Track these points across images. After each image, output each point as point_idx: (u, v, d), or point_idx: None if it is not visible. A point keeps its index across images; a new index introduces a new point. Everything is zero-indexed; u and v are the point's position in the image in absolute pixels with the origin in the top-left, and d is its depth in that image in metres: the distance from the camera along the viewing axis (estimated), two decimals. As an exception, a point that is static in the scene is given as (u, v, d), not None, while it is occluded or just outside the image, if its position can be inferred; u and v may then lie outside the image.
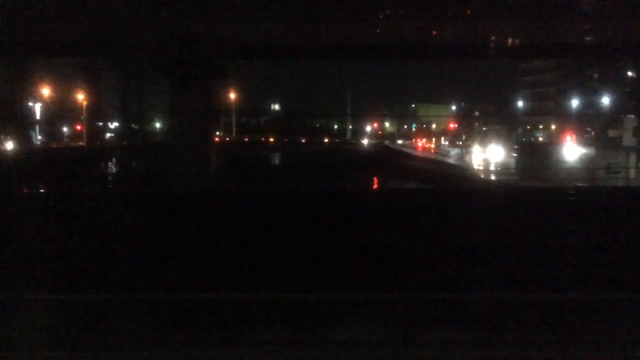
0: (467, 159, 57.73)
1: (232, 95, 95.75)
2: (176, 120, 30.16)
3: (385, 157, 60.23)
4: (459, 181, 39.19)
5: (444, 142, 76.94)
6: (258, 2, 27.86)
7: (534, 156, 46.95)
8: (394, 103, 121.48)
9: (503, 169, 47.51)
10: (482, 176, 44.88)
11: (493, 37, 29.72)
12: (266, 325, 6.97)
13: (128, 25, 28.41)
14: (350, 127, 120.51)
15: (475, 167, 50.94)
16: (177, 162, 28.76)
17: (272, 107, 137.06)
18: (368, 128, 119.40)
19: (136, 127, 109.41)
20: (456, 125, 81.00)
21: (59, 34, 28.85)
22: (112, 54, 37.49)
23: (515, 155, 52.62)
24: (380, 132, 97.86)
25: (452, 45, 30.49)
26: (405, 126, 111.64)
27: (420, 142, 75.11)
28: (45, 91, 70.98)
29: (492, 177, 44.92)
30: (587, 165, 38.92)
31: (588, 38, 29.14)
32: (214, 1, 27.87)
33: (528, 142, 56.51)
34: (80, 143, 78.24)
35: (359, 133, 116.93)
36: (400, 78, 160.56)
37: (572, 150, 44.59)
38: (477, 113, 78.77)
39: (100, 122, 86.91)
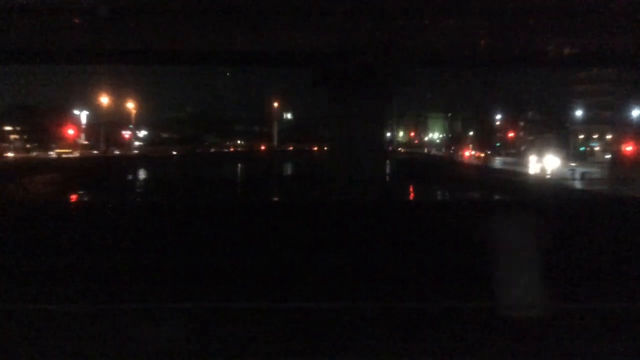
0: (518, 168, 58.20)
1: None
2: (353, 128, 30.44)
3: (450, 166, 60.51)
4: (562, 193, 37.87)
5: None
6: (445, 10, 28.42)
7: (620, 165, 46.98)
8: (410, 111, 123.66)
9: (587, 178, 47.31)
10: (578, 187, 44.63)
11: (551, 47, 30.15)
12: None
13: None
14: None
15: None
16: (353, 171, 29.30)
17: (284, 115, 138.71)
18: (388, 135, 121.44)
19: (165, 135, 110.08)
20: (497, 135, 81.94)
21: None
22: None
23: (573, 164, 53.35)
24: (417, 142, 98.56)
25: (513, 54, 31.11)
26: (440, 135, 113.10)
27: (467, 152, 75.85)
28: (104, 99, 71.44)
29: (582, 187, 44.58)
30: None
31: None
32: (405, 9, 28.37)
33: (615, 150, 56.79)
34: (135, 151, 78.70)
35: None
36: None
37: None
38: (521, 123, 79.62)
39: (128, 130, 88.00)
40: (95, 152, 72.04)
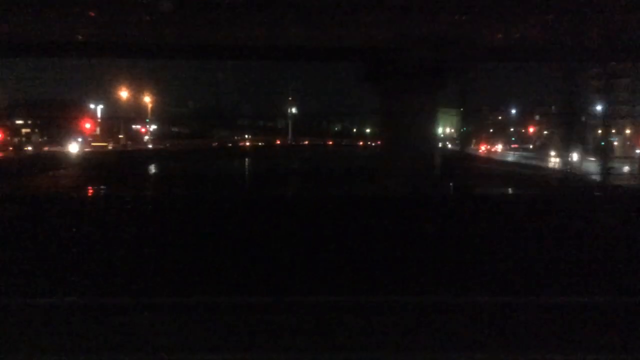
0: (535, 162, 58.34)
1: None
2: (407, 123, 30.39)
3: (468, 161, 60.53)
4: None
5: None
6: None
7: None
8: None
9: (613, 173, 47.11)
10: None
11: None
12: None
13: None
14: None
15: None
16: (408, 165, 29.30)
17: (290, 110, 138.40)
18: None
19: (176, 129, 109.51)
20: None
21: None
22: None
23: (592, 158, 53.71)
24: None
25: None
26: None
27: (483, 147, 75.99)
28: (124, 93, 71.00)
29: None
30: None
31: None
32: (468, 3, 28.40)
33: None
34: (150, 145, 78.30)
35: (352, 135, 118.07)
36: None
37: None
38: (537, 116, 79.79)
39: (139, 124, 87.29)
40: (110, 146, 71.62)
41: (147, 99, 77.21)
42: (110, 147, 67.61)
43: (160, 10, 27.35)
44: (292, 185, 37.62)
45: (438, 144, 33.32)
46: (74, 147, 65.16)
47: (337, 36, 30.08)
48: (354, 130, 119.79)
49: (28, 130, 78.90)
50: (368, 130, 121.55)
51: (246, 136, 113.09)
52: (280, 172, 48.60)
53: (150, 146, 76.79)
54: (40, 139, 73.99)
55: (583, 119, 71.73)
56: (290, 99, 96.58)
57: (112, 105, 77.43)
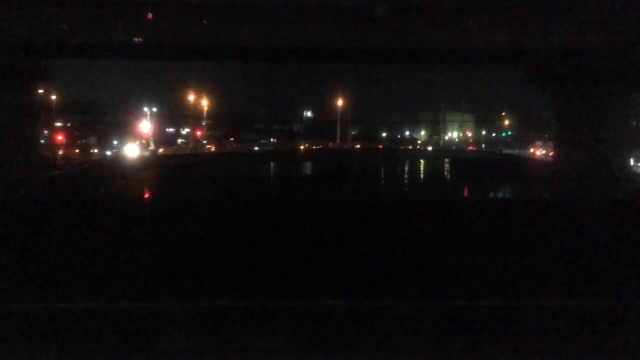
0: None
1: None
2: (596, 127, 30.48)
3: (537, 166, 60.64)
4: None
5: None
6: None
7: None
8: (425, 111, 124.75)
9: None
10: None
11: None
12: None
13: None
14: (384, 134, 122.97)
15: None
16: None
17: (305, 114, 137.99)
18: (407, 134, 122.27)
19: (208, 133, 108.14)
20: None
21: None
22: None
23: None
24: (471, 140, 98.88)
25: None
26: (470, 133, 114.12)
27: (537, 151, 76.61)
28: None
29: None
30: None
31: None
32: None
33: None
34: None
35: (395, 140, 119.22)
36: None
37: None
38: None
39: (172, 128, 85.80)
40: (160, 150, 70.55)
41: (204, 102, 76.11)
42: (169, 151, 66.10)
43: (375, 13, 27.25)
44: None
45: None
46: (133, 151, 64.10)
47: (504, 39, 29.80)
48: (399, 135, 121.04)
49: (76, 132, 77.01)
50: (422, 133, 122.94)
51: (271, 140, 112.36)
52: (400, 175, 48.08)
53: (211, 149, 75.84)
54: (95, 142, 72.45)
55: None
56: (340, 102, 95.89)
57: (162, 109, 76.34)
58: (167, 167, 49.81)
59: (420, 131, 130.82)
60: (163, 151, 68.69)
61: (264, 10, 28.64)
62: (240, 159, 61.97)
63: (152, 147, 69.41)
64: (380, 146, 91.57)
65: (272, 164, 60.88)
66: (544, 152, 76.53)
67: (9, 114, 30.70)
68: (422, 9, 27.84)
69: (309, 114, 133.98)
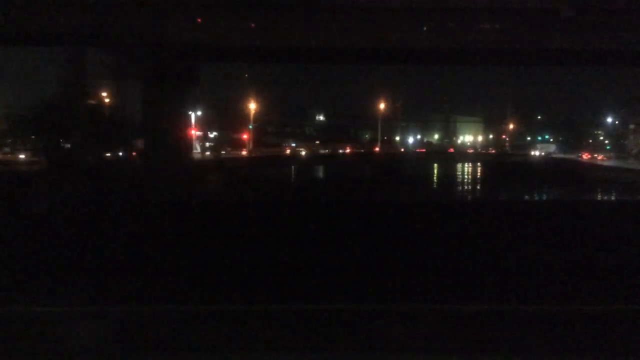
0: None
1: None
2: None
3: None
4: None
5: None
6: None
7: None
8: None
9: None
10: None
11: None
12: None
13: None
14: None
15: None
16: None
17: (317, 117, 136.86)
18: (410, 139, 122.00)
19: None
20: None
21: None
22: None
23: None
24: (507, 144, 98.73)
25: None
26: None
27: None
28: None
29: None
30: None
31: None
32: None
33: None
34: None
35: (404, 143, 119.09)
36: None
37: None
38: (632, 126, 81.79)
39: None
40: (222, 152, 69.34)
41: (252, 106, 74.93)
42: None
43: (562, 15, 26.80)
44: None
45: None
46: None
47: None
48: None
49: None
50: (436, 137, 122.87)
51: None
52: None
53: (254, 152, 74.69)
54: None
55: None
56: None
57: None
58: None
59: (433, 135, 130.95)
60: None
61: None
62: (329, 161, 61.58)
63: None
64: (423, 150, 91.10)
65: (344, 166, 60.26)
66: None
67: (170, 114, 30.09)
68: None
69: (321, 117, 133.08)
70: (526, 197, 32.11)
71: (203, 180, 33.34)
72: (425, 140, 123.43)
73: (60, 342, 6.19)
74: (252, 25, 28.65)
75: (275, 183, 38.45)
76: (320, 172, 56.20)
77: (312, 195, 32.28)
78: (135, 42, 27.39)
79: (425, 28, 28.35)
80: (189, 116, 40.14)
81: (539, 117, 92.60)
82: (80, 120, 41.92)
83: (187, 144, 35.49)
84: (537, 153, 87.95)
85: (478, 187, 38.63)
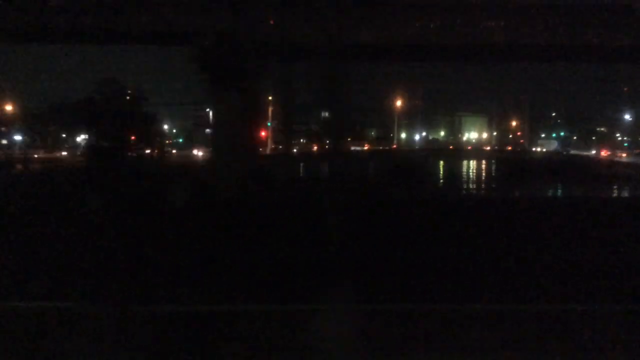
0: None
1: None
2: None
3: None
4: None
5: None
6: None
7: None
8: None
9: None
10: None
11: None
12: None
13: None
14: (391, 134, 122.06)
15: None
16: None
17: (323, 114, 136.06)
18: (417, 137, 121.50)
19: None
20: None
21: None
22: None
23: None
24: (522, 141, 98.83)
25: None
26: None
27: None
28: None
29: None
30: None
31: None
32: None
33: None
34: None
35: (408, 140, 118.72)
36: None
37: None
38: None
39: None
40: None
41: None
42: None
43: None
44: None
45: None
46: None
47: None
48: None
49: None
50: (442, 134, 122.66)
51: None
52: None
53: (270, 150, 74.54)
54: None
55: None
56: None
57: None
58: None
59: (439, 132, 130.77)
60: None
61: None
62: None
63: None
64: (451, 147, 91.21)
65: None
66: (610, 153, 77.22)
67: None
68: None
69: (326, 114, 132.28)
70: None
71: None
72: (430, 137, 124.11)
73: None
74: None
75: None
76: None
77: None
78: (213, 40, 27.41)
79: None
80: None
81: (553, 114, 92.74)
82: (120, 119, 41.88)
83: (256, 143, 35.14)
84: (538, 149, 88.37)
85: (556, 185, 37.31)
